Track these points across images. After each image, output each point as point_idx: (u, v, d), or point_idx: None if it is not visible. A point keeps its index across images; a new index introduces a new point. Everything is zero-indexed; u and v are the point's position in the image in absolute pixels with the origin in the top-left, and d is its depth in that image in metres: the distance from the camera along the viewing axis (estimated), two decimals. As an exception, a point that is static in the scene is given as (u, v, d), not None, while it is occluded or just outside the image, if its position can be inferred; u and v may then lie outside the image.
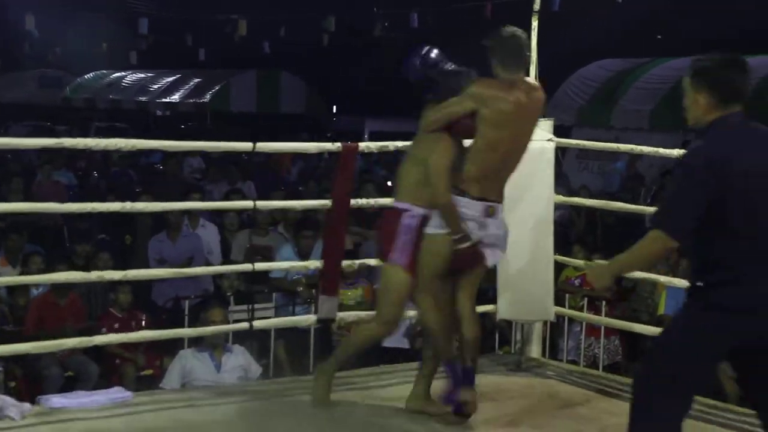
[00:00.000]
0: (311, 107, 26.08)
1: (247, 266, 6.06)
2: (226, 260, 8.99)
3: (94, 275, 5.54)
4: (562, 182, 14.47)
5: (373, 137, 20.01)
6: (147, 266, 8.56)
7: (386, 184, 14.82)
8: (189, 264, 8.44)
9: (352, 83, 26.06)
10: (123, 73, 29.72)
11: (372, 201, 5.88)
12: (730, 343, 3.42)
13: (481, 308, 6.24)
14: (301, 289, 7.78)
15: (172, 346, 6.77)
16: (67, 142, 5.23)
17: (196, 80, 26.52)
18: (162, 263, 8.52)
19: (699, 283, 3.46)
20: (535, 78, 5.68)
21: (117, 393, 5.06)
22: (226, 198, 10.12)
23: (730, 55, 3.42)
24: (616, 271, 3.68)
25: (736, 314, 3.37)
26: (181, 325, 6.92)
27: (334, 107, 28.59)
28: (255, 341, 7.10)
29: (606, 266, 3.67)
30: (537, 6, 5.77)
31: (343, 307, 7.36)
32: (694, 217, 3.33)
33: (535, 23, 5.72)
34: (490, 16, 10.13)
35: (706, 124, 3.43)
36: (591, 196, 10.43)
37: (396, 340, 8.01)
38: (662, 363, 3.49)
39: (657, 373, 3.49)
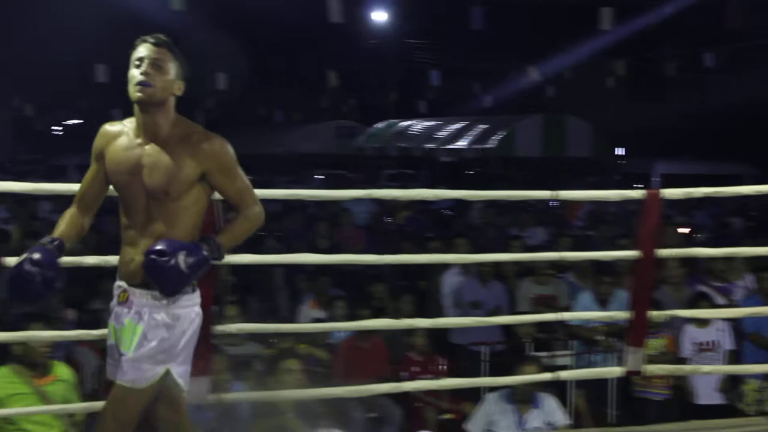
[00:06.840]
0: (596, 150, 25.61)
1: (553, 316, 6.03)
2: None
3: (404, 323, 5.73)
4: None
5: (666, 180, 19.27)
6: (441, 309, 8.81)
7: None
8: (497, 310, 8.40)
9: (641, 123, 25.04)
10: (412, 122, 30.66)
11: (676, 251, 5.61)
12: None
13: None
14: (601, 337, 7.61)
15: (473, 391, 6.83)
16: (377, 193, 5.32)
17: (483, 126, 26.80)
18: (476, 307, 8.46)
19: None
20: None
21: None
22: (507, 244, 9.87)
23: None
24: None
25: None
26: (478, 370, 6.92)
27: (622, 149, 27.71)
28: (550, 388, 7.01)
29: None
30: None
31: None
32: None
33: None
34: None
35: None
36: None
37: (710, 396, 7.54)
38: None
39: None
